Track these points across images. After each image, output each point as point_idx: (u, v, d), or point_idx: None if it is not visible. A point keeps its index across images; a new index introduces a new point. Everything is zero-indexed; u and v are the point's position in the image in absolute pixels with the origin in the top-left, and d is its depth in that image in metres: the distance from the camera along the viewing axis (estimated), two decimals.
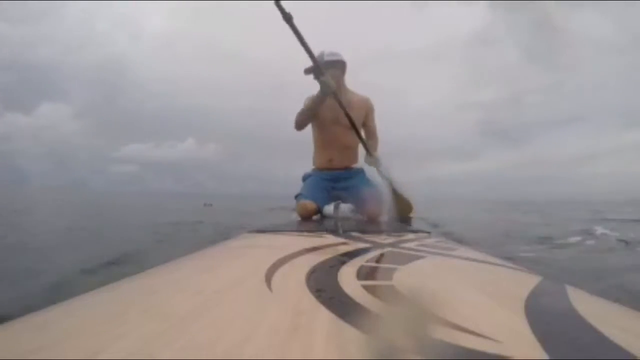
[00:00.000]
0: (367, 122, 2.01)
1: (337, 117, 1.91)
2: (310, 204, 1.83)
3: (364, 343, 0.29)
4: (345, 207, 1.88)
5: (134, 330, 0.31)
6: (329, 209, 1.90)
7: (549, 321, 0.37)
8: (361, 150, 2.04)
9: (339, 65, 1.90)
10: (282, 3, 1.55)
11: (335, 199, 1.92)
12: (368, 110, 1.99)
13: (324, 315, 0.35)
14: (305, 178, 2.14)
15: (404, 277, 0.54)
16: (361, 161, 2.04)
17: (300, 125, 1.97)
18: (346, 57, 1.93)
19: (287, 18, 1.58)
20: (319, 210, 1.89)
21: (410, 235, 1.14)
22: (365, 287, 0.45)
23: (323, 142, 2.02)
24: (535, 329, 0.33)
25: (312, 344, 0.28)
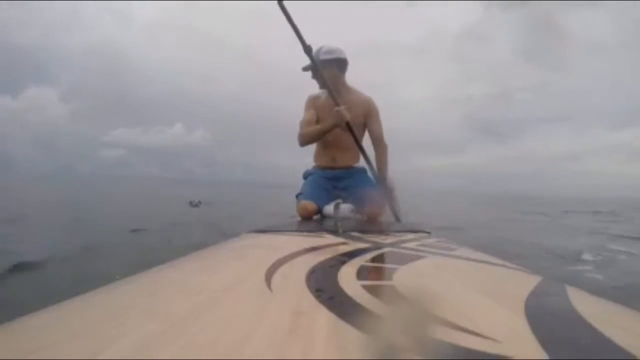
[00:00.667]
0: (370, 125, 1.91)
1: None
2: (310, 205, 1.83)
3: (364, 343, 0.29)
4: (345, 207, 1.88)
5: (134, 330, 0.31)
6: (329, 209, 1.90)
7: (549, 321, 0.37)
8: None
9: (338, 64, 1.84)
10: None
11: (336, 198, 1.91)
12: (368, 111, 1.91)
13: (324, 315, 0.35)
14: (305, 176, 2.12)
15: (404, 277, 0.54)
16: (363, 160, 2.02)
17: (304, 144, 1.93)
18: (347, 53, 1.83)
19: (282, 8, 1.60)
20: (319, 210, 1.88)
21: (410, 235, 1.14)
22: (365, 287, 0.45)
23: (324, 142, 1.99)
24: (535, 329, 0.33)
25: (312, 344, 0.28)
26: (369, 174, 2.01)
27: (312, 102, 1.98)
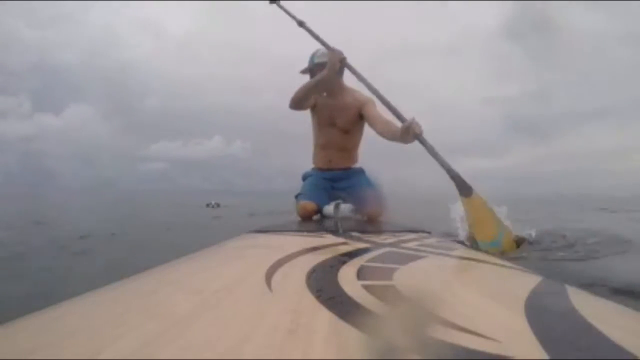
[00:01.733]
0: (367, 114, 1.79)
1: (332, 120, 1.88)
2: (310, 205, 1.83)
3: (364, 343, 0.29)
4: (345, 207, 1.88)
5: (134, 330, 0.31)
6: (329, 209, 1.90)
7: (549, 321, 0.37)
8: (361, 151, 1.99)
9: (317, 70, 1.81)
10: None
11: (335, 198, 1.91)
12: (361, 105, 1.83)
13: (324, 315, 0.35)
14: (305, 177, 2.12)
15: (404, 277, 0.54)
16: (361, 161, 2.01)
17: (295, 102, 1.79)
18: (346, 54, 1.76)
19: (300, 23, 1.71)
20: (319, 211, 1.88)
21: (411, 235, 1.14)
22: (365, 287, 0.45)
23: (321, 143, 1.99)
24: (535, 329, 0.33)
25: (312, 344, 0.28)
26: (367, 174, 2.01)
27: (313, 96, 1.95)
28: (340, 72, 1.84)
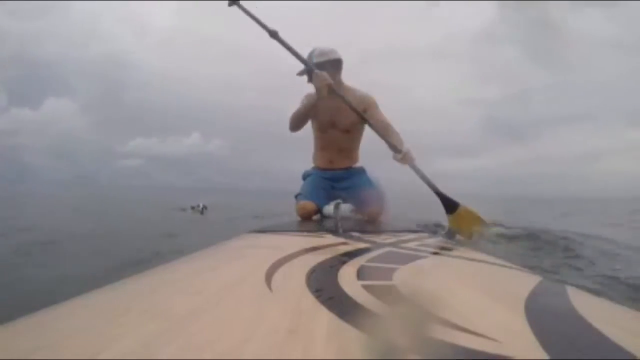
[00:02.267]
0: (370, 117, 1.79)
1: (333, 121, 1.87)
2: (309, 204, 1.83)
3: (364, 343, 0.29)
4: (345, 207, 1.88)
5: (134, 330, 0.31)
6: (328, 209, 1.90)
7: (549, 321, 0.37)
8: (362, 151, 1.98)
9: (332, 64, 1.81)
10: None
11: (335, 198, 1.91)
12: (366, 106, 1.84)
13: (324, 315, 0.35)
14: (305, 176, 2.11)
15: (404, 277, 0.54)
16: (362, 161, 2.01)
17: (293, 127, 1.86)
18: (341, 53, 1.82)
19: (273, 34, 1.61)
20: (318, 210, 1.88)
21: (411, 235, 1.14)
22: (365, 287, 0.45)
23: (322, 144, 1.98)
24: (535, 329, 0.33)
25: (312, 344, 0.28)
26: (368, 174, 2.01)
27: (309, 99, 1.92)
28: (337, 72, 1.84)
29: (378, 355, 0.27)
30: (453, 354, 0.28)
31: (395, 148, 1.60)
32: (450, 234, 1.48)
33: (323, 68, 1.79)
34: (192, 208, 6.58)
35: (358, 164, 2.02)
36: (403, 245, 0.90)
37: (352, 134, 1.90)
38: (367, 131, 1.96)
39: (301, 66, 1.71)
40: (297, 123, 1.86)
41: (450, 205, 1.50)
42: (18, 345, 0.30)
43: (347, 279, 0.50)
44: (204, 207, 6.45)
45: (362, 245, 0.86)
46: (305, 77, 1.86)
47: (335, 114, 1.86)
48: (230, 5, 1.67)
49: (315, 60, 1.80)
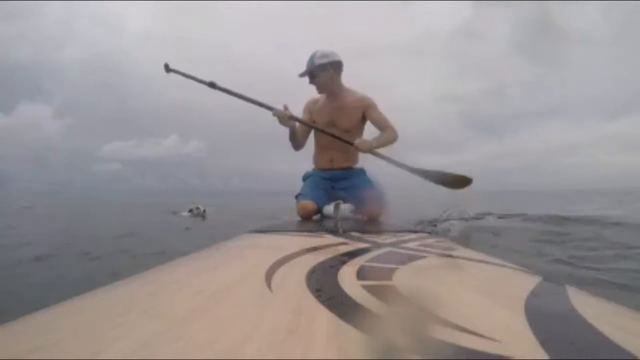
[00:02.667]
0: (371, 118, 1.90)
1: (332, 121, 1.89)
2: (310, 204, 1.83)
3: (364, 343, 0.29)
4: (345, 207, 1.88)
5: (134, 330, 0.31)
6: (328, 209, 1.90)
7: (549, 321, 0.37)
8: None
9: (333, 66, 1.86)
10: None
11: (335, 199, 1.91)
12: (365, 108, 1.91)
13: (324, 315, 0.35)
14: (305, 177, 2.12)
15: (404, 277, 0.54)
16: (362, 162, 2.01)
17: (294, 147, 1.98)
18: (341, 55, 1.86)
19: (211, 85, 1.76)
20: (319, 211, 1.88)
21: (411, 235, 1.14)
22: (365, 287, 0.45)
23: (322, 144, 2.00)
24: (535, 329, 0.33)
25: (312, 344, 0.28)
26: (368, 175, 2.01)
27: (308, 106, 2.00)
28: (338, 74, 1.87)
29: (378, 356, 0.27)
30: (453, 354, 0.28)
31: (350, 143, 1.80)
32: (443, 231, 1.55)
33: (325, 69, 1.82)
34: (190, 211, 5.88)
35: (358, 165, 2.03)
36: (403, 245, 0.90)
37: (352, 133, 1.91)
38: (368, 131, 1.97)
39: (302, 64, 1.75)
40: (293, 145, 1.96)
41: (437, 176, 1.65)
42: (18, 345, 0.30)
43: (347, 279, 0.50)
44: (203, 211, 5.81)
45: (362, 245, 0.86)
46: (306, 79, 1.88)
47: (335, 114, 1.88)
48: (167, 72, 1.83)
49: (317, 62, 1.83)
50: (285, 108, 1.78)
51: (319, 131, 1.89)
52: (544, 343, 0.30)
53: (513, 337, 0.31)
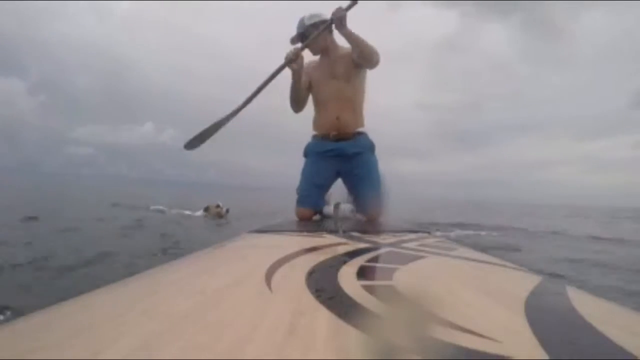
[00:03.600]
0: (358, 59, 1.80)
1: (332, 72, 1.83)
2: (306, 212, 1.82)
3: (364, 343, 0.29)
4: (345, 207, 1.88)
5: (134, 330, 0.31)
6: (328, 209, 1.90)
7: (549, 321, 0.37)
8: (366, 110, 1.91)
9: (324, 24, 1.79)
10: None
11: (337, 175, 1.86)
12: (355, 59, 1.81)
13: (324, 316, 0.35)
14: (306, 152, 1.96)
15: (404, 277, 0.54)
16: (366, 126, 1.90)
17: (295, 107, 1.88)
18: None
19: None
20: (317, 211, 1.88)
21: (411, 235, 1.14)
22: (365, 287, 0.45)
23: (324, 100, 1.86)
24: (535, 329, 0.33)
25: (312, 344, 0.28)
26: (374, 156, 1.91)
27: (305, 68, 1.90)
28: (329, 32, 1.82)
29: (378, 356, 0.27)
30: (453, 354, 0.28)
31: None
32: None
33: (317, 28, 1.79)
34: (206, 210, 4.60)
35: (363, 129, 1.92)
36: (403, 245, 0.90)
37: (353, 83, 1.84)
38: (369, 81, 1.90)
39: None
40: (294, 101, 1.86)
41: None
42: (18, 345, 0.30)
43: (347, 279, 0.50)
44: (222, 211, 4.62)
45: (362, 245, 0.86)
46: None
47: (334, 65, 1.83)
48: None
49: (307, 22, 1.80)
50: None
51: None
52: (544, 343, 0.30)
53: (513, 337, 0.31)
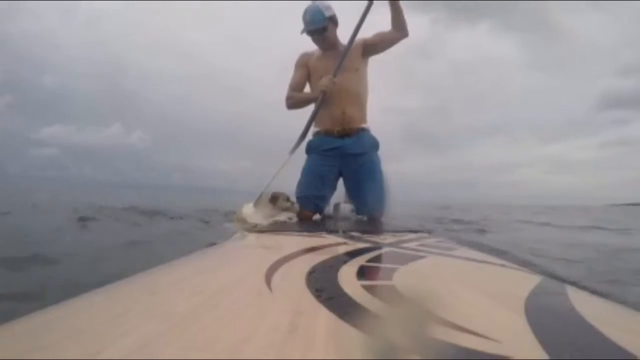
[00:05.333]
0: (373, 41, 1.82)
1: (344, 65, 1.76)
2: (306, 213, 1.82)
3: (364, 343, 0.29)
4: (345, 207, 1.88)
5: (134, 330, 0.31)
6: (328, 209, 1.90)
7: (549, 321, 0.37)
8: (370, 105, 1.90)
9: (332, 19, 1.79)
10: None
11: (340, 175, 1.84)
12: (365, 44, 1.83)
13: (323, 315, 0.35)
14: (309, 150, 1.90)
15: (404, 277, 0.54)
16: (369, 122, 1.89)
17: (292, 108, 1.85)
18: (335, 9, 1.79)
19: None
20: (318, 211, 1.88)
21: (411, 235, 1.14)
22: (365, 287, 0.45)
23: (329, 94, 1.76)
24: (535, 329, 0.33)
25: (312, 344, 0.28)
26: (378, 154, 1.90)
27: (304, 60, 1.88)
28: (334, 28, 1.82)
29: (378, 356, 0.27)
30: (453, 354, 0.28)
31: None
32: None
33: (334, 22, 1.78)
34: (273, 200, 2.29)
35: (366, 125, 1.89)
36: (403, 245, 0.90)
37: (361, 75, 1.84)
38: (371, 69, 1.90)
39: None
40: (294, 107, 1.84)
41: None
42: (18, 345, 0.30)
43: (347, 279, 0.50)
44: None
45: (362, 245, 0.86)
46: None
47: (339, 59, 1.78)
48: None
49: (327, 14, 1.74)
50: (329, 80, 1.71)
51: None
52: (544, 343, 0.30)
53: (513, 337, 0.31)
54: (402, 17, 1.73)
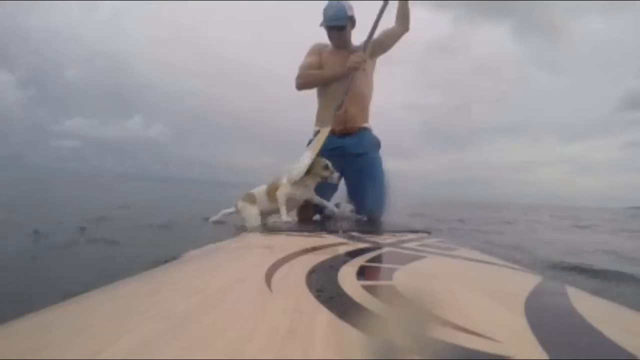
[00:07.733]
0: (380, 39, 1.84)
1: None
2: (307, 213, 1.82)
3: (364, 343, 0.29)
4: (345, 207, 1.87)
5: (134, 330, 0.31)
6: (329, 209, 1.90)
7: (549, 321, 0.37)
8: (372, 104, 1.91)
9: (351, 19, 1.82)
10: None
11: (341, 175, 1.84)
12: (373, 44, 1.82)
13: (323, 315, 0.35)
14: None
15: (404, 277, 0.54)
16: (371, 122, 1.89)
17: (303, 86, 1.85)
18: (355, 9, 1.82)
19: None
20: (318, 211, 1.88)
21: (411, 235, 1.14)
22: (365, 287, 0.45)
23: (335, 93, 1.77)
24: (535, 329, 0.33)
25: (312, 344, 0.28)
26: (379, 155, 1.90)
27: (319, 48, 1.90)
28: (351, 28, 1.85)
29: (378, 356, 0.27)
30: (453, 354, 0.28)
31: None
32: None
33: (352, 22, 1.80)
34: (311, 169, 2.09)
35: (368, 124, 1.90)
36: (403, 245, 0.90)
37: (367, 72, 1.86)
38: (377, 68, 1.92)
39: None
40: (308, 83, 1.85)
41: None
42: (18, 345, 0.30)
43: (347, 279, 0.50)
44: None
45: (362, 245, 0.86)
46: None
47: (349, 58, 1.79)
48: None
49: (349, 13, 1.78)
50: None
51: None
52: (544, 343, 0.30)
53: (513, 337, 0.31)
54: (408, 12, 1.82)
